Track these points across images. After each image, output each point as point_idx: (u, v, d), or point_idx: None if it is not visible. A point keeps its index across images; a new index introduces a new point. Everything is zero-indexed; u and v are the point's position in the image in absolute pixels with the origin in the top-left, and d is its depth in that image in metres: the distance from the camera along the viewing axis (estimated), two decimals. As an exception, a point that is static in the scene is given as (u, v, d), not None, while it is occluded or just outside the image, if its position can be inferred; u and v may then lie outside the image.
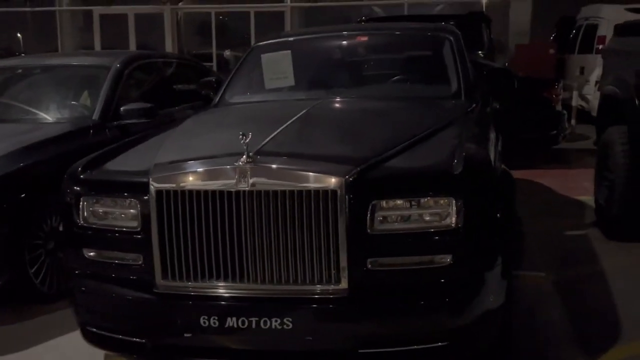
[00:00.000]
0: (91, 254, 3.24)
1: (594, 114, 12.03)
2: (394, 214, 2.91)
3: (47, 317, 4.32)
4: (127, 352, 3.22)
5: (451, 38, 4.84)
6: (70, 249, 3.36)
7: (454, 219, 2.89)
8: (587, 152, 10.02)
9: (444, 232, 2.90)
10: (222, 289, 3.00)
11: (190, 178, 2.99)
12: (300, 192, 2.88)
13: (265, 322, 2.90)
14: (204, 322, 2.95)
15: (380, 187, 2.92)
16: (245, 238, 2.94)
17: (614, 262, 5.07)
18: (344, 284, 2.90)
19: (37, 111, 5.41)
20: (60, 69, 5.96)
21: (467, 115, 3.96)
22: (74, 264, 3.32)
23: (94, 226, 3.23)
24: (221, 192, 2.94)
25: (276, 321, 2.89)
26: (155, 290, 3.06)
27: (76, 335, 3.93)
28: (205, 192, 2.96)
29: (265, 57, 4.80)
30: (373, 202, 2.88)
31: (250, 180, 2.90)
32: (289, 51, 4.78)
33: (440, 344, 2.91)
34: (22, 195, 4.31)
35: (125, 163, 3.44)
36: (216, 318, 2.94)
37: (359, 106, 4.11)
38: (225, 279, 2.99)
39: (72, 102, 5.62)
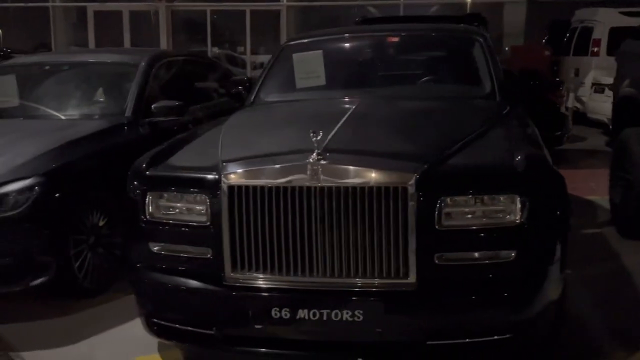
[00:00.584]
0: (157, 247, 3.32)
1: (590, 115, 12.39)
2: (461, 210, 3.03)
3: (93, 310, 4.38)
4: (195, 343, 3.30)
5: (481, 39, 4.97)
6: (134, 243, 3.44)
7: (518, 216, 3.01)
8: (586, 153, 10.29)
9: (509, 228, 3.02)
10: (292, 282, 3.09)
11: (262, 174, 3.08)
12: (370, 188, 2.98)
13: (336, 314, 3.00)
14: (275, 314, 3.05)
15: (449, 184, 3.03)
16: (316, 232, 3.04)
17: (634, 259, 5.23)
18: (412, 278, 3.01)
19: (69, 108, 5.45)
20: (88, 66, 6.01)
21: (508, 115, 4.09)
22: (139, 257, 3.40)
23: (160, 221, 3.31)
24: (292, 188, 3.04)
25: (347, 313, 2.99)
26: (225, 283, 3.15)
27: (126, 328, 4.06)
28: (277, 187, 3.05)
29: (296, 57, 4.89)
30: (441, 199, 2.99)
31: (322, 177, 3.00)
32: (320, 51, 4.88)
33: (504, 336, 3.03)
34: (66, 191, 4.36)
35: (187, 159, 3.52)
36: (288, 310, 3.04)
37: (403, 105, 4.23)
38: (295, 272, 3.08)
39: (103, 99, 5.67)
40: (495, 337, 3.02)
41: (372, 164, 3.05)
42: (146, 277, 3.36)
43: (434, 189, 3.00)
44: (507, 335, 3.04)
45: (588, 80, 12.71)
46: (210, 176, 3.20)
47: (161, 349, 3.79)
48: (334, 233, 3.02)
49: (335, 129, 3.35)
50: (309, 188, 3.03)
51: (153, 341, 3.72)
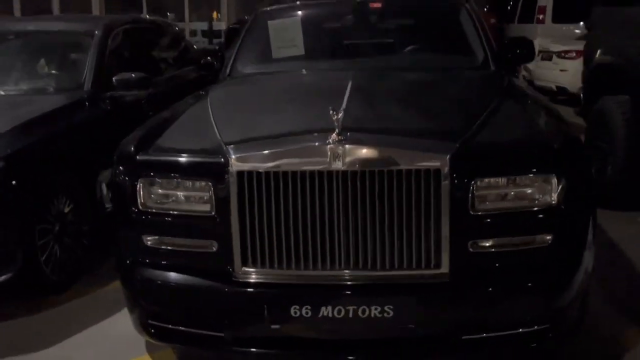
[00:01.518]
0: (151, 241, 2.96)
1: (537, 83, 12.41)
2: (495, 192, 2.78)
3: (64, 307, 3.98)
4: (201, 346, 2.97)
5: (467, 5, 4.72)
6: (125, 237, 3.06)
7: (555, 197, 2.78)
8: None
9: (545, 210, 2.79)
10: (314, 277, 2.79)
11: (276, 158, 2.74)
12: (400, 172, 2.69)
13: (364, 310, 2.72)
14: (295, 312, 2.75)
15: (483, 164, 2.77)
16: (338, 222, 2.74)
17: (617, 229, 5.13)
18: (444, 268, 2.75)
19: (20, 82, 4.94)
20: (36, 35, 5.47)
21: (512, 86, 3.86)
22: (131, 252, 3.03)
23: (154, 211, 2.94)
24: (311, 173, 2.72)
25: (376, 309, 2.72)
26: (235, 279, 2.83)
27: (106, 326, 3.69)
28: (294, 173, 2.73)
29: (272, 25, 4.52)
30: (475, 181, 2.74)
31: (346, 160, 2.69)
32: (298, 18, 4.54)
33: (542, 326, 2.82)
34: (27, 177, 3.91)
35: (180, 141, 3.14)
36: (309, 307, 2.74)
37: (401, 78, 3.92)
38: (315, 266, 2.78)
39: (56, 72, 5.17)
40: (534, 328, 2.81)
41: (401, 145, 2.76)
42: (140, 275, 2.99)
43: (468, 170, 2.73)
44: (545, 326, 2.83)
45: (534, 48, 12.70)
46: (214, 160, 2.84)
47: (151, 349, 3.44)
48: (359, 222, 2.73)
49: (344, 105, 3.02)
50: (329, 173, 2.71)
51: (140, 340, 3.38)
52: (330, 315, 2.73)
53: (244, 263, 2.81)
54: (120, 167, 3.03)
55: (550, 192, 2.79)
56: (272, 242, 2.78)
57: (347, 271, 2.77)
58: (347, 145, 2.69)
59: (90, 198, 4.49)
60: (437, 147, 2.75)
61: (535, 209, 2.80)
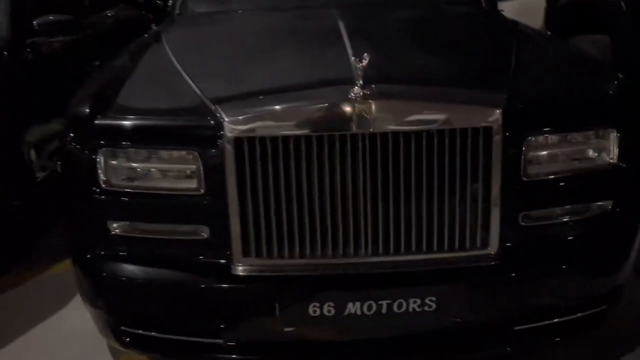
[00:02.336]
0: (120, 228, 2.32)
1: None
2: (550, 152, 2.29)
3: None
4: (191, 356, 2.38)
5: None
6: (83, 222, 2.40)
7: (615, 155, 2.32)
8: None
9: (604, 172, 2.33)
10: (335, 266, 2.24)
11: (285, 119, 2.15)
12: (441, 132, 2.15)
13: (400, 304, 2.20)
14: (314, 311, 2.20)
15: (536, 120, 2.27)
16: (365, 196, 2.19)
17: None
18: (492, 248, 2.25)
19: None
20: None
21: (517, 25, 3.35)
22: (92, 242, 2.38)
23: (121, 190, 2.29)
24: (330, 137, 2.14)
25: (415, 302, 2.20)
26: (234, 273, 2.24)
27: (68, 318, 3.06)
28: (308, 137, 2.14)
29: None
30: (528, 140, 2.23)
31: (374, 119, 2.12)
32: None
33: (598, 308, 2.39)
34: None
35: (145, 99, 2.47)
36: (332, 305, 2.20)
37: (395, 16, 3.27)
38: (336, 252, 2.23)
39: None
40: (592, 310, 2.38)
41: (442, 98, 2.21)
42: (106, 271, 2.35)
43: (521, 127, 2.23)
44: (602, 307, 2.40)
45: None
46: (201, 123, 2.22)
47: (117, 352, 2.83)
48: (391, 196, 2.19)
49: (349, 49, 2.42)
50: (354, 136, 2.14)
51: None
52: (358, 312, 2.21)
53: (246, 253, 2.23)
54: (72, 135, 2.35)
55: (609, 149, 2.32)
56: (281, 225, 2.21)
57: (377, 257, 2.23)
58: (374, 102, 2.12)
59: (18, 166, 3.75)
60: (485, 99, 2.21)
61: (593, 171, 2.33)
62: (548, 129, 2.27)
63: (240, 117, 2.16)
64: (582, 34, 5.39)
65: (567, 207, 2.33)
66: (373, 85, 2.15)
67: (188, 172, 2.25)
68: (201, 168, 2.22)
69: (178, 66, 2.61)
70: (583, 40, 5.33)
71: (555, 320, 2.34)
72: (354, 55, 2.24)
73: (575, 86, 2.46)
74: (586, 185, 2.33)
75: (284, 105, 2.19)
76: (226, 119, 2.16)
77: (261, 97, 2.25)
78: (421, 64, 2.50)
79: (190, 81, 2.44)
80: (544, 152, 2.28)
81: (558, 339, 2.44)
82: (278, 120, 2.15)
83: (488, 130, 2.17)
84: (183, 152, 2.23)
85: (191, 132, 2.24)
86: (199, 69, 2.57)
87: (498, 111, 2.17)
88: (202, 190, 2.23)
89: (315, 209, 2.20)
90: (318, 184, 2.18)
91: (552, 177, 2.29)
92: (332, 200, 2.19)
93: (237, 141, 2.15)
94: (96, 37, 4.69)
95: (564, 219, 2.33)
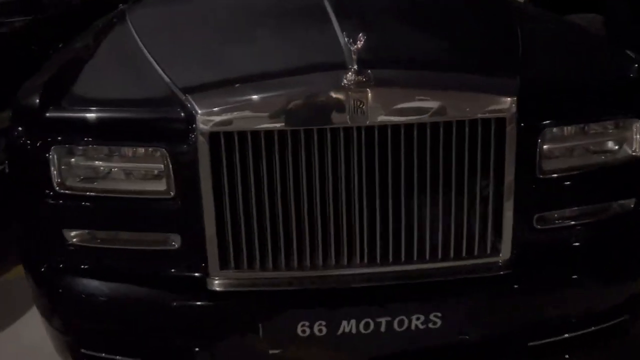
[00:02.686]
0: (77, 237, 2.02)
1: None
2: (567, 145, 2.02)
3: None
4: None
5: None
6: (34, 231, 2.09)
7: (636, 147, 2.06)
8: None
9: (627, 167, 2.07)
10: (327, 278, 1.96)
11: (267, 110, 1.85)
12: (448, 124, 1.87)
13: (401, 322, 1.93)
14: (304, 331, 1.92)
15: (553, 109, 1.99)
16: (360, 199, 1.90)
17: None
18: (504, 254, 1.99)
19: None
20: None
21: (516, 2, 3.07)
22: (46, 253, 2.08)
23: (78, 194, 1.98)
24: (321, 131, 1.85)
25: (418, 319, 1.93)
26: (210, 288, 1.95)
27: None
28: (294, 132, 1.85)
29: None
30: (544, 132, 1.96)
31: (371, 110, 1.84)
32: None
33: (620, 319, 2.14)
34: None
35: (105, 87, 2.14)
36: (324, 323, 1.92)
37: None
38: (327, 262, 1.94)
39: None
40: (613, 321, 2.12)
41: (447, 85, 1.92)
42: (63, 286, 2.05)
43: (536, 118, 1.95)
44: (624, 317, 2.15)
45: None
46: (169, 116, 1.92)
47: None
48: (390, 198, 1.91)
49: (337, 30, 2.11)
50: (347, 130, 1.85)
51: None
52: (354, 331, 1.93)
53: (224, 264, 1.94)
54: (20, 129, 2.03)
55: (632, 141, 2.06)
56: (264, 233, 1.92)
57: (374, 267, 1.95)
58: (371, 89, 1.83)
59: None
60: (498, 86, 1.93)
61: (614, 165, 2.07)
62: (565, 118, 2.00)
63: (215, 109, 1.86)
64: (572, 12, 5.16)
65: (586, 206, 2.07)
66: (369, 71, 1.85)
67: (155, 172, 1.95)
68: (170, 167, 1.92)
69: (144, 49, 2.28)
70: (574, 19, 5.10)
71: (574, 333, 2.08)
72: (345, 35, 1.94)
73: (592, 70, 2.19)
74: (606, 181, 2.07)
75: (266, 94, 1.89)
76: (199, 111, 1.86)
77: (239, 85, 1.94)
78: (421, 46, 2.20)
79: (157, 67, 2.12)
80: (561, 145, 2.01)
81: (577, 355, 2.18)
82: (259, 111, 1.86)
83: (501, 122, 1.89)
84: (149, 149, 1.93)
85: (158, 125, 1.94)
86: (168, 53, 2.25)
87: (512, 99, 1.89)
88: (172, 193, 1.93)
89: (303, 213, 1.91)
90: (306, 184, 1.89)
91: (569, 173, 2.02)
92: (322, 203, 1.91)
93: (212, 136, 1.85)
94: (61, 16, 4.32)
95: (582, 220, 2.07)
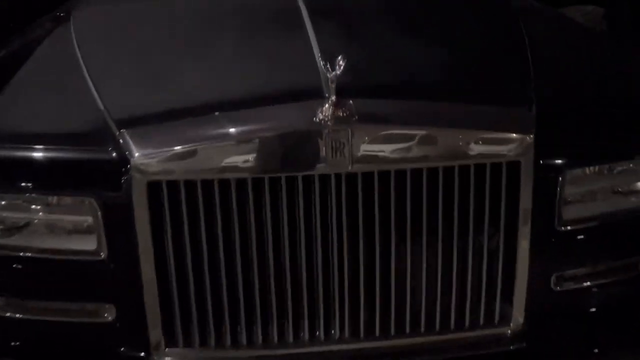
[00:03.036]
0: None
1: None
2: (592, 189, 1.65)
3: None
4: None
5: None
6: None
7: None
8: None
9: None
10: (297, 357, 1.58)
11: (224, 154, 1.46)
12: (448, 170, 1.50)
13: None
14: None
15: (579, 145, 1.63)
16: (340, 258, 1.53)
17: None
18: (516, 324, 1.62)
19: None
20: None
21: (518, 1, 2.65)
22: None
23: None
24: (290, 180, 1.47)
25: None
26: (154, 372, 1.57)
27: None
28: (256, 180, 1.46)
29: None
30: (565, 174, 1.59)
31: (354, 153, 1.45)
32: None
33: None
34: None
35: (24, 115, 1.71)
36: None
37: None
38: (298, 337, 1.57)
39: None
40: None
41: (450, 120, 1.53)
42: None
43: (556, 157, 1.58)
44: None
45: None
46: (101, 157, 1.52)
47: None
48: (377, 258, 1.53)
49: (313, 42, 1.69)
50: (324, 177, 1.47)
51: None
52: None
53: (170, 341, 1.56)
54: None
55: None
56: (220, 302, 1.54)
57: (357, 343, 1.58)
58: (354, 126, 1.45)
59: None
60: (510, 122, 1.55)
61: None
62: (590, 156, 1.63)
63: (156, 151, 1.47)
64: (570, 4, 4.84)
65: (614, 261, 1.71)
66: (351, 102, 1.47)
67: (84, 226, 1.55)
68: (101, 222, 1.52)
69: (82, 63, 1.85)
70: (572, 11, 4.77)
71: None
72: (322, 54, 1.56)
73: (618, 93, 1.81)
74: (636, 231, 1.71)
75: (222, 131, 1.49)
76: (135, 153, 1.46)
77: (189, 119, 1.54)
78: (416, 65, 1.76)
79: (93, 88, 1.71)
80: (585, 189, 1.64)
81: None
82: (213, 155, 1.47)
83: (514, 165, 1.52)
84: (76, 198, 1.53)
85: (85, 168, 1.54)
86: (109, 69, 1.82)
87: (529, 138, 1.52)
88: (102, 254, 1.54)
89: (270, 277, 1.53)
90: (272, 243, 1.51)
91: (594, 222, 1.66)
92: (292, 264, 1.53)
93: (152, 186, 1.46)
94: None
95: (610, 279, 1.70)
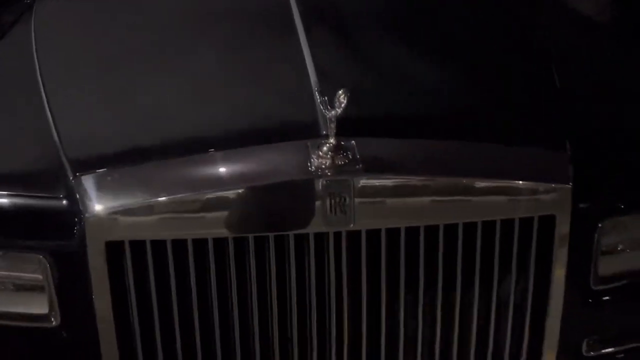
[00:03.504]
0: None
1: None
2: (631, 241, 1.41)
3: None
4: None
5: None
6: None
7: None
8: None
9: None
10: None
11: (200, 208, 1.20)
12: (470, 226, 1.24)
13: None
14: None
15: (620, 191, 1.37)
16: (338, 331, 1.28)
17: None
18: (541, 396, 1.39)
19: None
20: None
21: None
22: None
23: None
24: (280, 239, 1.21)
25: None
26: None
27: None
28: (239, 240, 1.21)
29: None
30: (602, 226, 1.34)
31: (359, 208, 1.19)
32: None
33: None
34: None
35: None
36: None
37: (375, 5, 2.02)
38: None
39: None
40: None
41: (473, 166, 1.27)
42: None
43: (595, 206, 1.33)
44: None
45: None
46: (50, 205, 1.26)
47: None
48: (383, 325, 1.28)
49: (309, 63, 1.39)
50: (320, 236, 1.21)
51: None
52: None
53: None
54: None
55: None
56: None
57: None
58: (358, 176, 1.19)
59: None
60: (545, 168, 1.30)
61: None
62: (630, 204, 1.38)
63: (117, 206, 1.20)
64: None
65: None
66: (353, 143, 1.21)
67: (33, 286, 1.29)
68: (52, 282, 1.27)
69: (38, 74, 1.56)
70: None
71: None
72: (318, 79, 1.29)
73: None
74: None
75: (197, 180, 1.23)
76: (91, 208, 1.20)
77: (159, 162, 1.27)
78: (430, 96, 1.45)
79: (48, 110, 1.43)
80: (624, 242, 1.40)
81: None
82: (187, 210, 1.20)
83: (548, 220, 1.27)
84: (23, 254, 1.27)
85: (34, 218, 1.28)
86: (69, 84, 1.53)
87: (567, 188, 1.26)
88: (54, 321, 1.28)
89: (254, 350, 1.28)
90: (259, 316, 1.26)
91: (633, 279, 1.42)
92: (281, 335, 1.28)
93: (113, 246, 1.20)
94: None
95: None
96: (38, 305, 1.29)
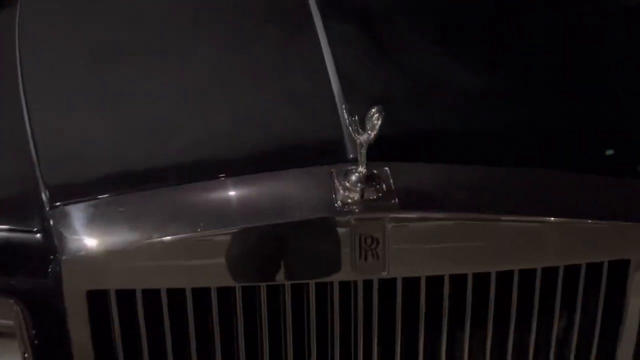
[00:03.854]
0: None
1: None
2: None
3: None
4: None
5: None
6: None
7: None
8: None
9: None
10: None
11: (199, 253, 0.99)
12: (528, 273, 1.03)
13: None
14: None
15: None
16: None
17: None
18: None
19: None
20: None
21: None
22: None
23: None
24: (299, 288, 1.00)
25: None
26: None
27: None
28: (248, 290, 0.99)
29: None
30: None
31: (393, 254, 0.98)
32: None
33: None
34: None
35: None
36: None
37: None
38: None
39: None
40: None
41: (528, 202, 1.04)
42: None
43: None
44: None
45: None
46: (25, 240, 1.04)
47: None
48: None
49: (332, 71, 1.15)
50: (345, 285, 1.00)
51: None
52: None
53: None
54: None
55: None
56: None
57: None
58: (393, 215, 0.97)
59: None
60: (616, 202, 1.07)
61: None
62: None
63: (102, 246, 0.99)
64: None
65: None
66: (387, 169, 0.99)
67: (1, 333, 1.09)
68: (24, 329, 1.06)
69: (20, 79, 1.32)
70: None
71: None
72: (342, 92, 1.07)
73: None
74: None
75: (197, 217, 1.01)
76: (72, 249, 0.99)
77: (155, 188, 1.04)
78: (477, 106, 1.20)
79: (28, 124, 1.20)
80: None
81: None
82: (186, 254, 0.99)
83: (622, 265, 1.05)
84: (7, 301, 1.07)
85: (1, 256, 1.06)
86: (53, 91, 1.28)
87: (642, 226, 1.05)
88: (27, 377, 1.08)
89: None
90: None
91: None
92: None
93: (95, 295, 0.99)
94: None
95: None
96: (8, 354, 1.09)
